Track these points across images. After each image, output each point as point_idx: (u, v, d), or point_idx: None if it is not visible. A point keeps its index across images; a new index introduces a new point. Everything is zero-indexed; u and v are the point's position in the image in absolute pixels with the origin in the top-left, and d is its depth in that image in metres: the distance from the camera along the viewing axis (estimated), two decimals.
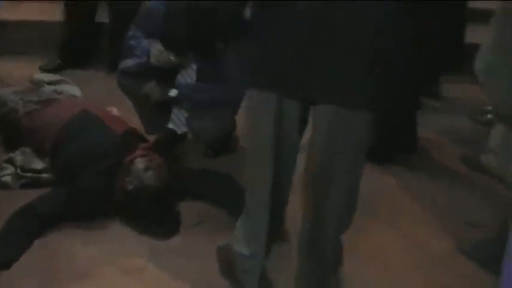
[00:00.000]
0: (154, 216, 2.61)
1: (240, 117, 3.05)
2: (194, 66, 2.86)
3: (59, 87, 3.21)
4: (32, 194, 2.64)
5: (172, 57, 2.79)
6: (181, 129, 2.93)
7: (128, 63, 2.93)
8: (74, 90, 3.34)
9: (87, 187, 2.59)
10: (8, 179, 2.76)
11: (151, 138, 2.98)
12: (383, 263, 2.53)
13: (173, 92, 2.84)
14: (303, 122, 2.03)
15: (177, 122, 2.93)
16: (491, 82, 2.29)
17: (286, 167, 2.05)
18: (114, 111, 3.17)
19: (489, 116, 3.58)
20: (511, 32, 2.20)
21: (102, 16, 3.97)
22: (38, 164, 2.80)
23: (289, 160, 2.06)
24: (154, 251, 2.51)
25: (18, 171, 2.78)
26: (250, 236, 2.15)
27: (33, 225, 2.51)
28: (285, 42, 1.83)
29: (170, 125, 2.93)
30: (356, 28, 1.78)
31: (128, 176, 2.60)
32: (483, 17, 3.35)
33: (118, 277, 2.36)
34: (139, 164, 2.61)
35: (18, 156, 2.82)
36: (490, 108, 3.63)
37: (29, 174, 2.77)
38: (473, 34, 3.31)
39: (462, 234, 2.72)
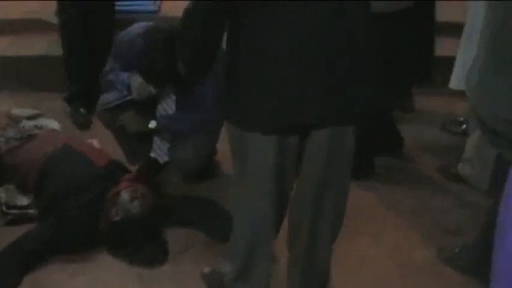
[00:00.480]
0: (142, 244, 2.64)
1: (220, 144, 3.11)
2: (173, 97, 2.87)
3: (38, 122, 3.22)
4: (18, 230, 2.66)
5: (152, 89, 2.79)
6: (163, 158, 2.94)
7: (108, 98, 2.93)
8: (52, 124, 3.36)
9: (72, 219, 2.61)
10: None
11: (134, 168, 3.02)
12: (369, 274, 2.59)
13: (152, 124, 2.87)
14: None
15: (159, 151, 2.95)
16: (483, 96, 2.29)
17: (286, 196, 2.06)
18: (95, 143, 3.19)
19: (463, 126, 3.66)
20: (504, 41, 2.21)
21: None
22: (23, 200, 2.82)
23: (289, 189, 2.06)
24: (144, 279, 2.54)
25: (3, 208, 2.79)
26: (246, 264, 2.13)
27: (21, 262, 2.53)
28: (285, 63, 1.78)
29: (152, 154, 2.95)
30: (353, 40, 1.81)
31: (114, 207, 2.64)
32: (455, 30, 3.47)
33: None
34: (125, 195, 2.65)
35: (1, 193, 2.83)
36: (462, 119, 3.73)
37: (14, 211, 2.79)
38: (445, 47, 3.40)
39: (443, 242, 2.79)
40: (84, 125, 3.63)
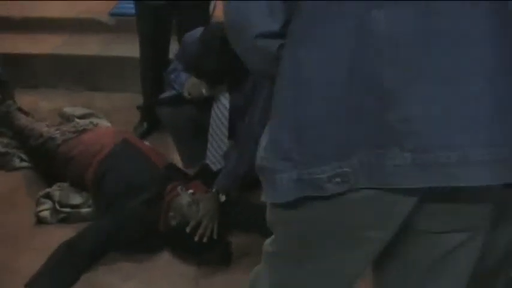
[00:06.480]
0: (205, 248, 2.54)
1: None
2: (227, 95, 2.81)
3: (93, 120, 3.17)
4: (69, 229, 2.63)
5: (204, 91, 2.76)
6: (216, 165, 2.87)
7: (166, 95, 2.95)
8: (104, 123, 3.31)
9: (131, 217, 2.55)
10: (46, 213, 2.73)
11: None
12: None
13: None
14: None
15: (213, 158, 2.88)
16: None
17: None
18: (147, 144, 3.15)
19: None
20: None
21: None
22: (76, 199, 2.77)
23: None
24: (199, 285, 2.46)
25: (57, 206, 2.74)
26: None
27: (78, 260, 2.47)
28: None
29: (207, 161, 2.89)
30: None
31: (171, 211, 2.57)
32: None
33: None
34: (182, 199, 2.57)
35: (55, 191, 2.79)
36: None
37: (67, 209, 2.74)
38: None
39: None
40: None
